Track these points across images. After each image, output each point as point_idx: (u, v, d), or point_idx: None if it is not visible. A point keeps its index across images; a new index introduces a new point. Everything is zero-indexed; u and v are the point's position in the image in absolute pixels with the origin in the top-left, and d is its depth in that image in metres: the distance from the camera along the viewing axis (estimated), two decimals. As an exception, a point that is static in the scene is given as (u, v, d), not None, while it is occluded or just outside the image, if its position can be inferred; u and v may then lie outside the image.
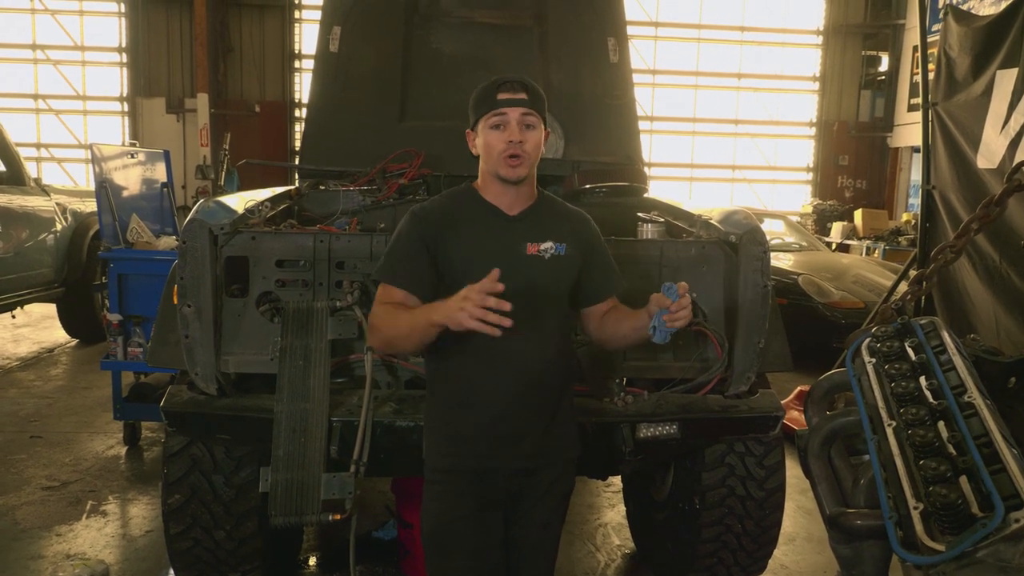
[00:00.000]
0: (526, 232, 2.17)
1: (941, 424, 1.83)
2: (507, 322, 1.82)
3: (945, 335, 2.16)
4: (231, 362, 2.79)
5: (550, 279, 2.18)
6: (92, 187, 5.48)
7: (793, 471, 3.05)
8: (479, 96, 2.16)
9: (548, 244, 2.16)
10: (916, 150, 16.46)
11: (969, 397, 1.89)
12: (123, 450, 5.28)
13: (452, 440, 2.20)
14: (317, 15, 4.78)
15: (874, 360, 2.21)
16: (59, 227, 7.53)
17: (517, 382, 2.15)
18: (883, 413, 1.99)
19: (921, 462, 1.73)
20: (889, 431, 1.91)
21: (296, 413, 2.64)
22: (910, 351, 2.17)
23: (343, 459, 2.63)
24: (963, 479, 1.65)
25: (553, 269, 2.18)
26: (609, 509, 4.52)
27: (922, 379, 2.03)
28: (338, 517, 2.58)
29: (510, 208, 2.20)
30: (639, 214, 3.72)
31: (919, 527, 1.62)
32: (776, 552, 3.38)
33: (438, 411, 2.25)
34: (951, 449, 1.74)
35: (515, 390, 2.15)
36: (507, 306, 1.81)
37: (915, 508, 1.66)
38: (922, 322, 2.26)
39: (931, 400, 1.93)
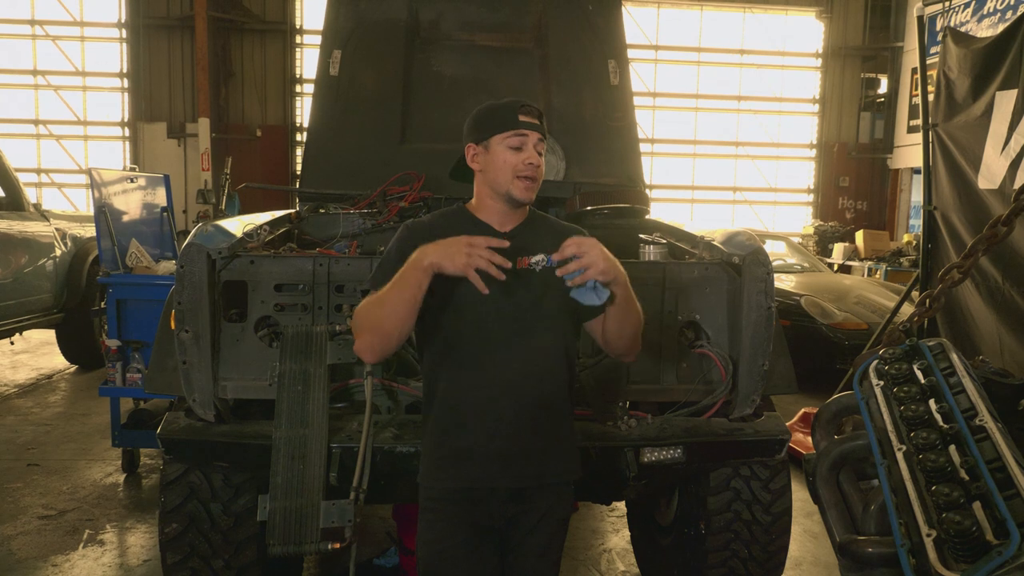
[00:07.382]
0: (516, 247, 2.12)
1: (952, 448, 1.79)
2: (496, 273, 1.93)
3: (954, 357, 2.12)
4: (229, 388, 2.76)
5: (541, 292, 2.15)
6: (92, 212, 5.46)
7: (799, 494, 3.00)
8: (493, 113, 2.16)
9: (539, 257, 2.10)
10: (916, 171, 16.52)
11: (980, 420, 1.84)
12: (121, 478, 5.23)
13: (445, 461, 2.17)
14: (318, 39, 4.78)
15: (882, 383, 2.16)
16: (58, 252, 7.50)
17: (509, 399, 2.12)
18: (893, 437, 1.94)
19: (933, 488, 1.68)
20: (900, 455, 1.87)
21: (295, 439, 2.60)
22: (919, 373, 2.13)
23: (343, 486, 2.59)
24: (977, 505, 1.61)
25: (544, 282, 2.13)
26: (613, 534, 4.46)
27: (932, 402, 1.99)
28: (338, 546, 2.54)
29: (501, 226, 2.20)
30: (641, 235, 3.70)
31: (933, 555, 1.57)
32: (783, 577, 3.33)
33: (432, 432, 2.22)
34: (964, 474, 1.70)
35: (508, 407, 2.12)
36: (506, 262, 1.95)
37: (928, 535, 1.61)
38: (930, 344, 2.22)
39: (942, 424, 1.89)
